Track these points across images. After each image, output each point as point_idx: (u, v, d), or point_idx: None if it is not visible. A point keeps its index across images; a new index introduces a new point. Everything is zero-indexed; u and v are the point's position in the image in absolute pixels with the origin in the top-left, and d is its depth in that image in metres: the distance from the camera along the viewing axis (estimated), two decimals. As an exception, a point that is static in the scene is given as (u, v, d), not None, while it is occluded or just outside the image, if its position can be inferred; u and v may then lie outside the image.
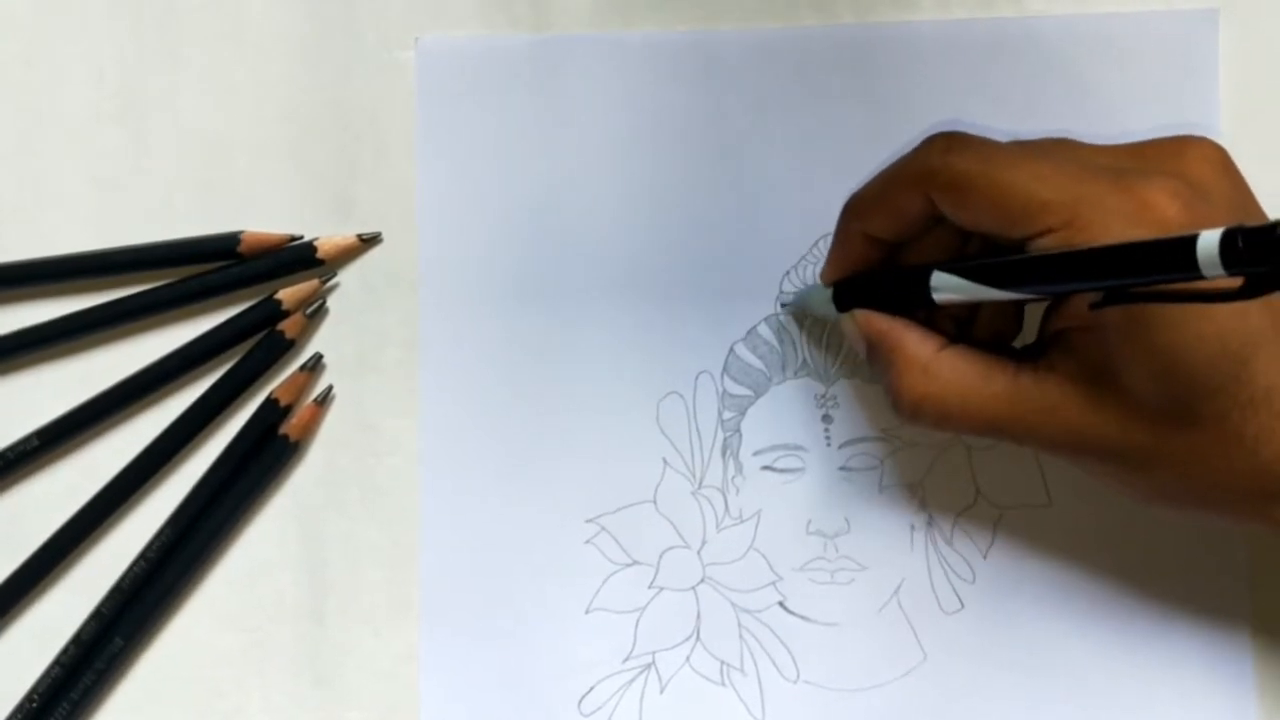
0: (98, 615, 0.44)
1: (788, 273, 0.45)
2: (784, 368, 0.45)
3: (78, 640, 0.44)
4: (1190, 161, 0.36)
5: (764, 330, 0.45)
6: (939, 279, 0.37)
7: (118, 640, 0.44)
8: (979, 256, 0.39)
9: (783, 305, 0.45)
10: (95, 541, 0.45)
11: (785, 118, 0.45)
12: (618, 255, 0.45)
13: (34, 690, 0.44)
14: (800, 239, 0.45)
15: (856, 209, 0.40)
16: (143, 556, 0.45)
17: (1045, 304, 0.39)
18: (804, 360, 0.45)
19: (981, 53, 0.45)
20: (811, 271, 0.45)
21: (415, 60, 0.46)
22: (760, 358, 0.45)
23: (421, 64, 0.46)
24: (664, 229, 0.45)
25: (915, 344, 0.38)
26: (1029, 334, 0.40)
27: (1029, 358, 0.38)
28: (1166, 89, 0.45)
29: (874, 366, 0.40)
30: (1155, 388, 0.34)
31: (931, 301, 0.38)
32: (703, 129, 0.46)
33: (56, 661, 0.44)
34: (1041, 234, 0.35)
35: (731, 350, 0.45)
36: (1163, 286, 0.31)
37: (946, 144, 0.37)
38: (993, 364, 0.37)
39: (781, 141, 0.45)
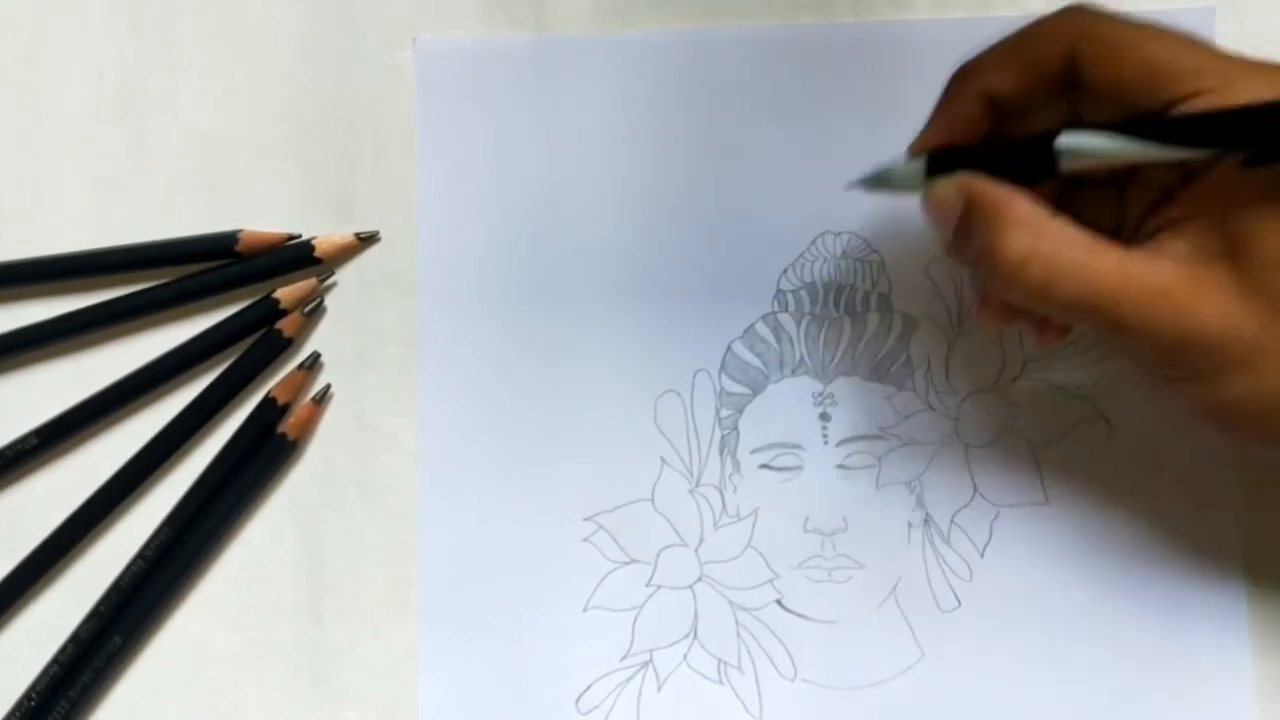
0: (96, 614, 0.44)
1: (785, 271, 0.45)
2: (781, 366, 0.45)
3: (76, 639, 0.44)
4: None
5: (761, 328, 0.45)
6: (1071, 140, 0.36)
7: (116, 639, 0.44)
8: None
9: (858, 182, 0.42)
10: (93, 540, 0.45)
11: (784, 117, 0.45)
12: (616, 254, 0.45)
13: (32, 689, 0.44)
14: (798, 237, 0.45)
15: (979, 66, 0.39)
16: (141, 555, 0.45)
17: (1148, 203, 0.38)
18: (801, 358, 0.45)
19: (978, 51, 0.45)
20: (810, 270, 0.45)
21: (414, 60, 0.46)
22: (758, 356, 0.45)
23: (420, 64, 0.46)
24: (662, 227, 0.45)
25: (1026, 204, 0.36)
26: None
27: (1134, 246, 0.37)
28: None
29: (968, 232, 0.38)
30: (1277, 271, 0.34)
31: (1051, 170, 0.36)
32: (701, 128, 0.46)
33: (55, 660, 0.44)
34: (1190, 96, 0.35)
35: (729, 348, 0.45)
36: None
37: (1091, 8, 0.37)
38: (1102, 240, 0.36)
39: (780, 140, 0.45)
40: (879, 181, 0.41)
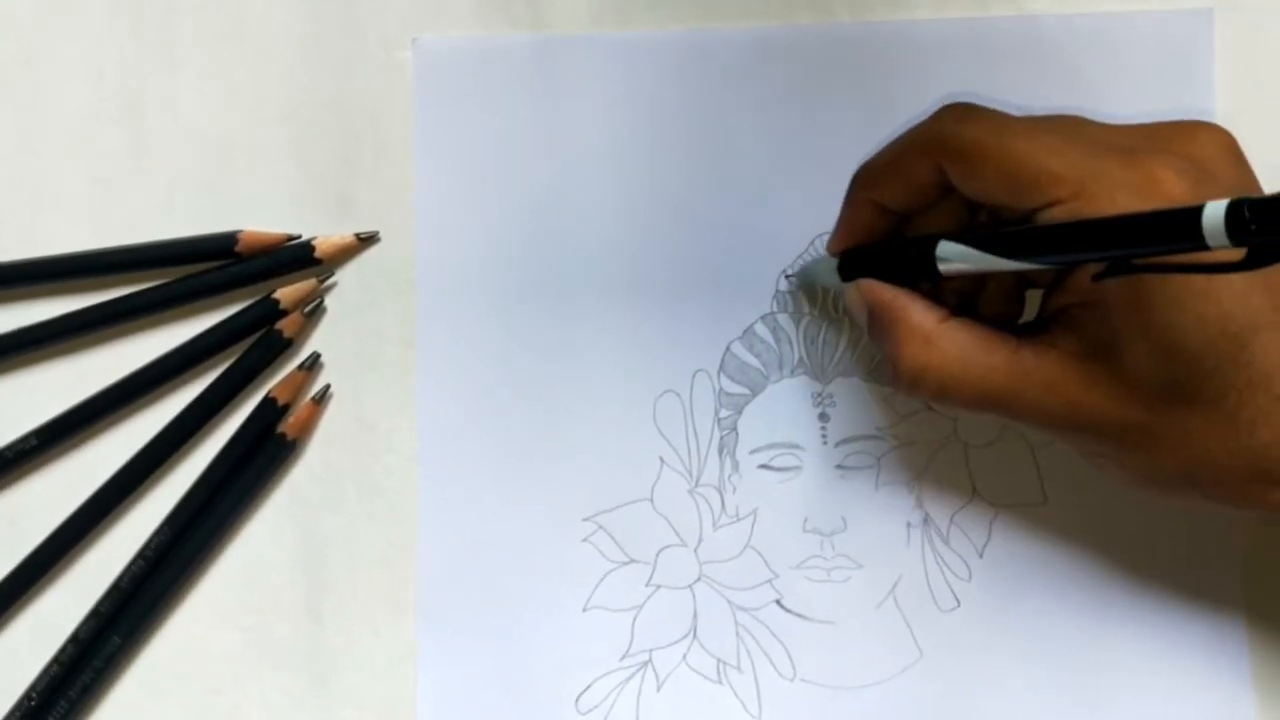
0: (96, 613, 0.44)
1: (784, 271, 0.45)
2: (781, 366, 0.45)
3: (76, 639, 0.44)
4: (1199, 144, 0.36)
5: (761, 329, 0.45)
6: (945, 249, 0.37)
7: (116, 639, 0.44)
8: (986, 227, 0.39)
9: (788, 276, 0.45)
10: (93, 540, 0.45)
11: (782, 116, 0.45)
12: (615, 254, 0.45)
13: (32, 688, 0.44)
14: (797, 237, 0.45)
15: (866, 177, 0.40)
16: (141, 555, 0.45)
17: (1047, 284, 0.39)
18: (800, 358, 0.45)
19: (978, 52, 0.45)
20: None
21: (413, 60, 0.46)
22: (757, 356, 0.45)
23: (419, 64, 0.46)
24: (660, 227, 0.45)
25: (918, 314, 0.38)
26: (1030, 314, 0.40)
27: (1030, 334, 0.38)
28: (1161, 88, 0.45)
29: (875, 337, 0.40)
30: (1154, 366, 0.35)
31: (936, 273, 0.38)
32: (699, 128, 0.46)
33: (55, 660, 0.44)
34: (1049, 205, 0.35)
35: (728, 349, 0.45)
36: (1166, 258, 0.31)
37: (959, 113, 0.38)
38: (994, 337, 0.38)
39: (778, 140, 0.45)
40: (806, 276, 0.45)
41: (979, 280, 0.40)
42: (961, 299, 0.40)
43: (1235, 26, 0.45)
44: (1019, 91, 0.45)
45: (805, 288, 0.45)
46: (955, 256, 0.37)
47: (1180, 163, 0.35)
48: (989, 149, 0.36)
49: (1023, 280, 0.40)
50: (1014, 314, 0.40)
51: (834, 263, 0.42)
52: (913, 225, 0.40)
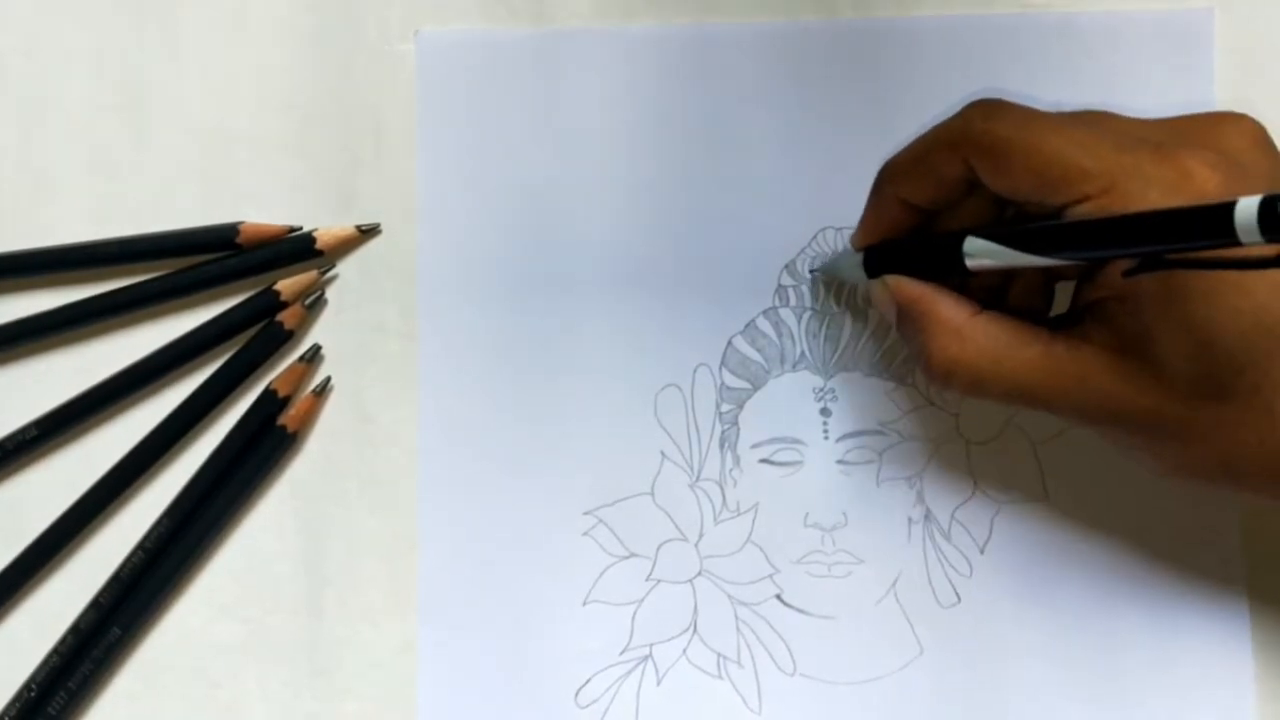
0: (96, 605, 0.44)
1: (786, 266, 0.45)
2: (782, 361, 0.45)
3: (76, 630, 0.44)
4: (1229, 136, 0.36)
5: (762, 323, 0.45)
6: (973, 245, 0.37)
7: (116, 630, 0.44)
8: (1014, 223, 0.38)
9: (812, 271, 0.45)
10: (94, 531, 0.45)
11: (784, 111, 0.45)
12: (616, 248, 0.45)
13: (32, 679, 0.44)
14: (799, 232, 0.45)
15: (893, 173, 0.40)
16: (141, 546, 0.45)
17: (1077, 277, 0.39)
18: (803, 353, 0.45)
19: (980, 48, 0.45)
20: (811, 265, 0.45)
21: (415, 52, 0.46)
22: (759, 350, 0.45)
23: (421, 56, 0.46)
24: (663, 222, 0.45)
25: (949, 308, 0.38)
26: (1061, 308, 0.40)
27: (1062, 327, 0.38)
28: (1162, 86, 0.45)
29: (903, 333, 0.40)
30: (1188, 360, 0.34)
31: (964, 269, 0.37)
32: (702, 122, 0.46)
33: (54, 651, 0.44)
34: (1079, 201, 0.35)
35: (730, 343, 0.45)
36: (1199, 254, 0.31)
37: (986, 110, 0.37)
38: (1026, 331, 0.37)
39: (781, 135, 0.45)
40: (830, 270, 0.44)
41: (1006, 275, 0.40)
42: (988, 294, 0.40)
43: (1235, 25, 0.45)
44: (1020, 89, 0.45)
45: (826, 281, 0.45)
46: (983, 253, 0.37)
47: (1212, 156, 0.35)
48: (1017, 145, 0.36)
49: (1051, 274, 0.40)
50: (1043, 308, 0.40)
51: (858, 257, 0.42)
52: (940, 221, 0.40)
